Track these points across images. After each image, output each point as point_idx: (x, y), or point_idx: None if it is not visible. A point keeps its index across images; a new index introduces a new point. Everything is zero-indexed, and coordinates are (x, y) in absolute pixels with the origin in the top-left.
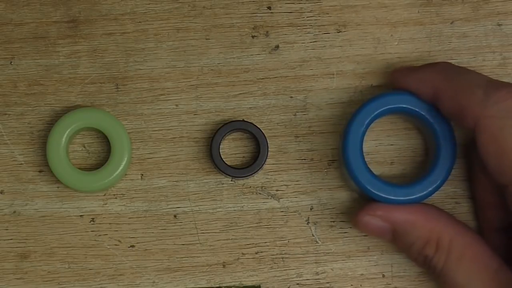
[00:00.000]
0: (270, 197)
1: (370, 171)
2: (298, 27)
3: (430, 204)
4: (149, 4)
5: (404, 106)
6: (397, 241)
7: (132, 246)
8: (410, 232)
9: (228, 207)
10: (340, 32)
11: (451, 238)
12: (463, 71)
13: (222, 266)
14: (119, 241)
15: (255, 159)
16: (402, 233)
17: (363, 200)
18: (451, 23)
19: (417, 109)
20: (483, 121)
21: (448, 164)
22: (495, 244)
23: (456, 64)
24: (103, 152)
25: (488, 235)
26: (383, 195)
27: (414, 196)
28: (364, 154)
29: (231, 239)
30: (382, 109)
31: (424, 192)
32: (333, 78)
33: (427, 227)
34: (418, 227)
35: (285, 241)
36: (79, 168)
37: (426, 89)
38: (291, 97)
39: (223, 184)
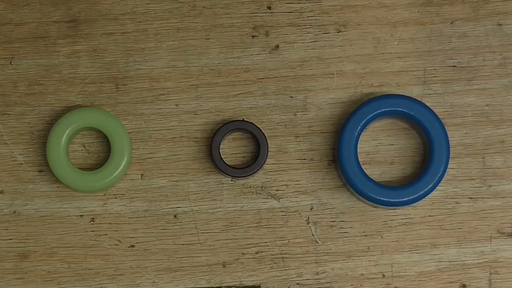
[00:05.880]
0: (270, 197)
1: (364, 173)
2: (298, 27)
3: None
4: (149, 4)
5: (398, 109)
6: None
7: (132, 246)
8: None
9: (228, 207)
10: (340, 32)
11: None
12: None
13: (222, 266)
14: (119, 241)
15: (255, 159)
16: None
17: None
18: (451, 23)
19: (411, 112)
20: None
21: (441, 167)
22: None
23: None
24: (103, 152)
25: None
26: (377, 197)
27: (407, 198)
28: (364, 154)
29: (231, 239)
30: (376, 112)
31: (416, 195)
32: (333, 78)
33: None
34: None
35: (285, 241)
36: (79, 168)
37: None
38: (291, 97)
39: (223, 184)
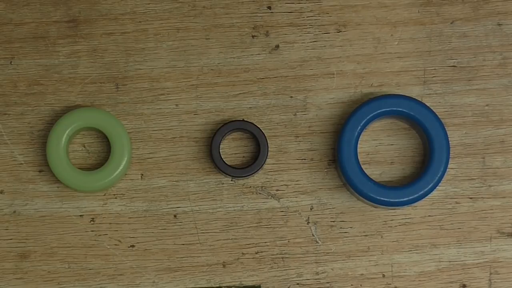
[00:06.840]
0: (270, 197)
1: (364, 173)
2: (298, 27)
3: None
4: (149, 4)
5: (398, 109)
6: None
7: (132, 246)
8: None
9: (228, 207)
10: (340, 32)
11: None
12: None
13: (222, 266)
14: (119, 241)
15: (255, 159)
16: None
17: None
18: (451, 23)
19: (411, 112)
20: None
21: (441, 167)
22: None
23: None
24: (103, 152)
25: None
26: (377, 197)
27: (407, 198)
28: (364, 154)
29: (231, 239)
30: (376, 112)
31: (416, 195)
32: (333, 78)
33: None
34: None
35: (285, 241)
36: (79, 168)
37: None
38: (291, 97)
39: (223, 184)
